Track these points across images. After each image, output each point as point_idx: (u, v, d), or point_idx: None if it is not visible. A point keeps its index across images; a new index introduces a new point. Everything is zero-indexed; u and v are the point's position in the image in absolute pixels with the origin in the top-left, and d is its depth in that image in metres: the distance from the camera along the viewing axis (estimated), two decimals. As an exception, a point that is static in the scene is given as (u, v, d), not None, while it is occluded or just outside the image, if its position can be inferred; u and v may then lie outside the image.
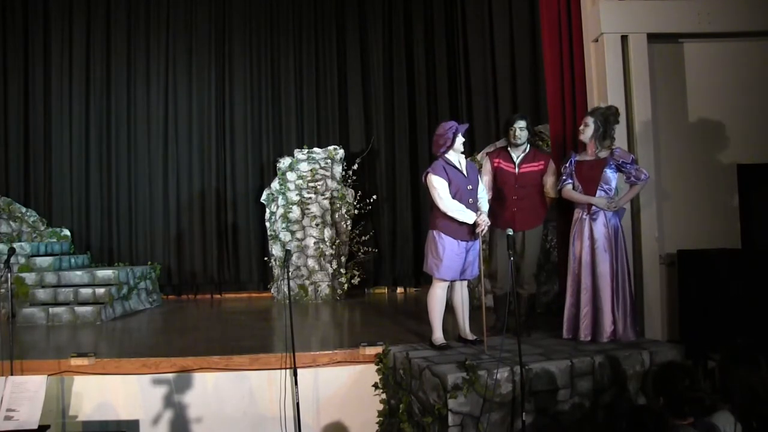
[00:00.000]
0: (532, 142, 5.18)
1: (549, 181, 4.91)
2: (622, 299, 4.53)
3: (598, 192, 4.57)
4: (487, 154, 5.27)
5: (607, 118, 4.57)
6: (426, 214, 7.13)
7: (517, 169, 4.87)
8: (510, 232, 4.10)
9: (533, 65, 7.34)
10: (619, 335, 4.50)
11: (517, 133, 4.85)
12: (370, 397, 4.61)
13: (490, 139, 7.64)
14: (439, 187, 4.41)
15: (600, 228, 4.54)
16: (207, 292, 9.06)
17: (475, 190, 4.54)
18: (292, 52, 9.33)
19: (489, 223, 4.47)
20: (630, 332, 4.53)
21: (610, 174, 4.57)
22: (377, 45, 9.35)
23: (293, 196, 8.31)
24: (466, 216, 4.39)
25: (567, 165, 4.72)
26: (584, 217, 4.60)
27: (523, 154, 4.90)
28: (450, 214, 4.38)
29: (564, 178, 4.72)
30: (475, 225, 4.42)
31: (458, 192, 4.43)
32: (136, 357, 4.72)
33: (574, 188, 4.68)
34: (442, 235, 4.44)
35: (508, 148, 4.95)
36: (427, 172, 4.50)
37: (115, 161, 9.12)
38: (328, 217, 8.23)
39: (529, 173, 4.87)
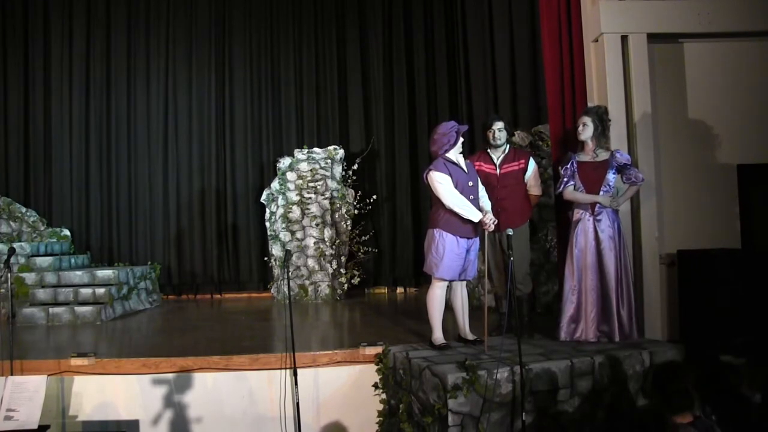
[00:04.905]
0: (511, 142, 5.20)
1: (532, 181, 4.94)
2: (626, 298, 4.55)
3: (600, 192, 4.59)
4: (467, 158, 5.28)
5: (601, 116, 4.66)
6: (426, 213, 7.13)
7: (498, 170, 4.90)
8: (510, 232, 4.10)
9: (533, 65, 7.33)
10: (626, 334, 4.51)
11: (496, 135, 4.88)
12: (370, 397, 4.61)
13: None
14: (443, 181, 4.41)
15: (605, 228, 4.56)
16: (207, 292, 9.06)
17: (476, 186, 4.56)
18: (292, 52, 9.34)
19: (495, 221, 4.46)
20: (635, 331, 4.55)
21: (611, 176, 4.62)
22: (377, 45, 9.36)
23: (293, 196, 8.31)
24: (472, 213, 4.38)
25: (568, 166, 4.72)
26: (588, 218, 4.61)
27: (503, 155, 4.93)
28: (455, 209, 4.38)
29: (566, 180, 4.71)
30: (479, 223, 4.41)
31: (459, 187, 4.44)
32: (136, 357, 4.72)
33: (575, 189, 4.68)
34: (443, 233, 4.44)
35: (488, 150, 4.97)
36: (429, 170, 4.51)
37: (115, 161, 9.13)
38: (328, 217, 8.23)
39: (511, 173, 4.90)
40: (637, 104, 5.04)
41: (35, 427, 4.05)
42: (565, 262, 4.75)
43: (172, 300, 8.81)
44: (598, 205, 4.58)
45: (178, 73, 9.25)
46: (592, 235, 4.58)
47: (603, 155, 4.66)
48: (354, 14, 9.42)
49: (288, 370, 4.49)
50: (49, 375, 4.39)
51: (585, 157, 4.70)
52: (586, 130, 4.64)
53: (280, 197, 8.41)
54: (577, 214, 4.68)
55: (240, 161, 9.24)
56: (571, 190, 4.70)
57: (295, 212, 8.27)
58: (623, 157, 4.64)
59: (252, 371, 4.62)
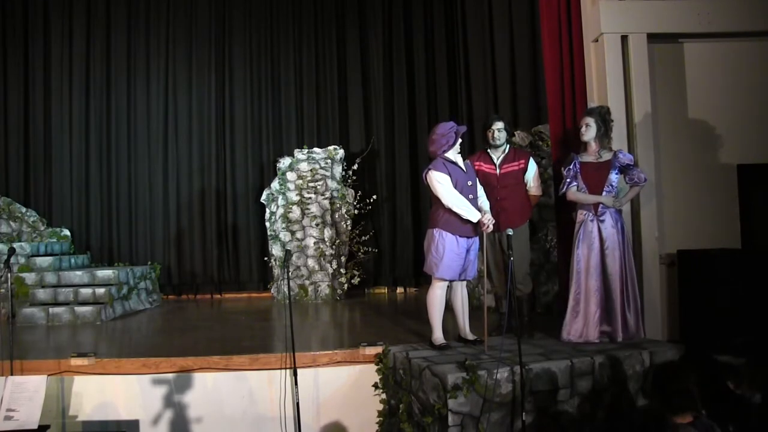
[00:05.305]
0: (511, 142, 5.19)
1: (532, 181, 4.93)
2: (632, 297, 4.55)
3: (603, 193, 4.58)
4: (467, 157, 5.28)
5: (603, 117, 4.64)
6: (426, 213, 7.13)
7: (498, 170, 4.89)
8: (510, 232, 4.10)
9: (533, 65, 7.34)
10: (632, 333, 4.52)
11: (495, 135, 4.87)
12: (370, 397, 4.61)
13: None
14: (443, 181, 4.42)
15: (609, 229, 4.55)
16: (207, 292, 9.06)
17: (474, 185, 4.57)
18: (292, 52, 9.34)
19: (494, 221, 4.46)
20: (642, 331, 4.56)
21: (614, 176, 4.60)
22: (377, 45, 9.36)
23: (293, 196, 8.31)
24: (471, 213, 4.39)
25: (571, 167, 4.71)
26: (591, 219, 4.59)
27: (503, 155, 4.92)
28: (455, 209, 4.38)
29: (568, 180, 4.70)
30: (478, 223, 4.42)
31: (459, 187, 4.44)
32: (136, 357, 4.72)
33: (578, 189, 4.68)
34: (443, 233, 4.44)
35: (488, 150, 4.97)
36: (429, 170, 4.51)
37: (115, 161, 9.13)
38: (328, 217, 8.23)
39: (511, 173, 4.89)
40: (637, 104, 5.04)
41: (35, 427, 4.05)
42: (568, 263, 4.74)
43: (172, 300, 8.81)
44: (601, 205, 4.58)
45: (178, 73, 9.25)
46: (596, 236, 4.57)
47: (606, 156, 4.64)
48: (354, 14, 9.42)
49: (288, 370, 4.49)
50: (49, 375, 4.39)
51: (588, 157, 4.69)
52: (590, 131, 4.63)
53: (280, 197, 8.41)
54: (581, 215, 4.67)
55: (240, 161, 9.24)
56: (575, 191, 4.69)
57: (295, 212, 8.27)
58: (626, 157, 4.62)
59: (252, 371, 4.62)
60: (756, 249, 5.13)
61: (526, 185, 4.95)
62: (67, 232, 8.67)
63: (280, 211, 8.34)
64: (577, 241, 4.64)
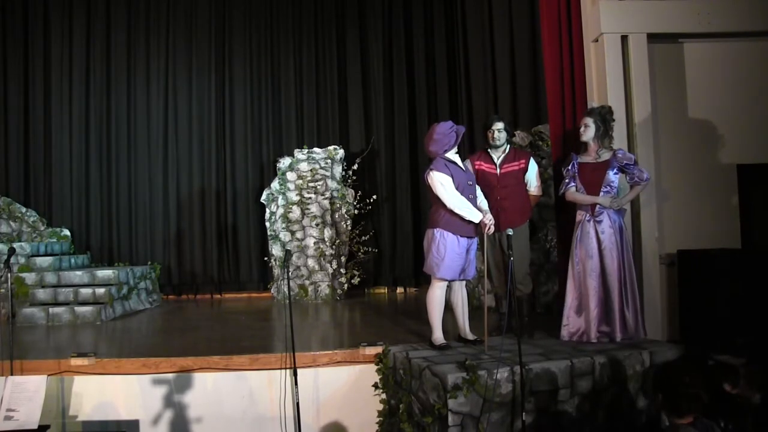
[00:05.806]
0: (512, 142, 5.19)
1: (533, 181, 4.93)
2: (631, 297, 4.54)
3: (601, 193, 4.57)
4: (467, 157, 5.28)
5: (604, 117, 4.62)
6: (426, 213, 7.14)
7: (498, 170, 4.89)
8: (510, 232, 4.10)
9: (533, 65, 7.34)
10: (631, 333, 4.51)
11: (495, 135, 4.87)
12: (370, 397, 4.61)
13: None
14: (445, 183, 4.42)
15: (606, 229, 4.54)
16: (207, 292, 9.07)
17: (474, 185, 4.58)
18: (292, 52, 9.34)
19: (494, 221, 4.47)
20: (641, 330, 4.55)
21: (613, 176, 4.58)
22: (377, 45, 9.37)
23: (293, 196, 8.32)
24: (473, 214, 4.39)
25: (570, 167, 4.70)
26: (588, 219, 4.59)
27: (503, 155, 4.92)
28: (457, 211, 4.38)
29: (567, 180, 4.70)
30: (479, 223, 4.42)
31: (460, 187, 4.45)
32: (136, 357, 4.72)
33: (576, 190, 4.67)
34: (444, 233, 4.44)
35: (488, 150, 4.97)
36: (430, 170, 4.51)
37: (115, 161, 9.12)
38: (328, 217, 8.23)
39: (511, 173, 4.89)
40: (637, 104, 5.04)
41: (35, 427, 4.05)
42: (567, 263, 4.74)
43: (172, 300, 8.81)
44: (598, 206, 4.57)
45: (178, 73, 9.25)
46: (593, 236, 4.56)
47: (605, 156, 4.62)
48: (354, 14, 9.42)
49: (288, 370, 4.49)
50: (49, 375, 4.39)
51: (587, 158, 4.68)
52: (588, 131, 4.62)
53: (280, 197, 8.41)
54: (579, 215, 4.67)
55: (240, 161, 9.24)
56: (573, 191, 4.68)
57: (295, 212, 8.27)
58: (625, 156, 4.60)
59: (252, 371, 4.62)
60: (756, 249, 5.14)
61: (526, 185, 4.96)
62: (67, 232, 8.67)
63: (280, 211, 8.34)
64: (576, 242, 4.64)
